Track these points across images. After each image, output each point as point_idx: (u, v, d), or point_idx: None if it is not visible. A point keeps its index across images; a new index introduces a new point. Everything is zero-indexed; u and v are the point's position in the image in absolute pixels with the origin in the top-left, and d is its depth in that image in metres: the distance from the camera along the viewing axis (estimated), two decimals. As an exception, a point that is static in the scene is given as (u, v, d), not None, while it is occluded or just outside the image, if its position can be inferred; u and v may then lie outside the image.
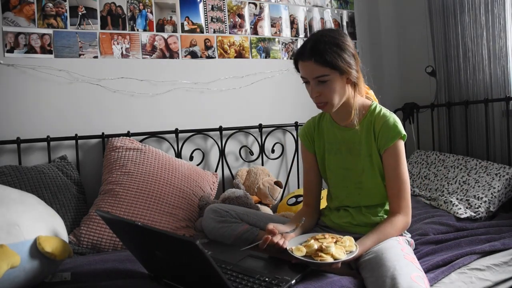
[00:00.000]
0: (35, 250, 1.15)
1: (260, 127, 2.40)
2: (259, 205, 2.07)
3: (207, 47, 2.33)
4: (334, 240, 1.27)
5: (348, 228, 1.46)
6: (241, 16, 2.43)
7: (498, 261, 1.42)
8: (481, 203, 1.85)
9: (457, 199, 1.96)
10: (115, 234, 1.35)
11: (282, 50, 2.54)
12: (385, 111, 1.43)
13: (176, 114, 2.24)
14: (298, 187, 2.52)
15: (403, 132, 1.38)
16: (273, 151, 2.48)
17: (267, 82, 2.48)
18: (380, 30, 2.91)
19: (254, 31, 2.46)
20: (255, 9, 2.47)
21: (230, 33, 2.39)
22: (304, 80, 1.38)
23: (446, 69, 2.48)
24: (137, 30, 2.15)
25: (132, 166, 1.91)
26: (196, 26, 2.30)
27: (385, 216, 1.43)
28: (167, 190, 1.87)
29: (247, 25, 2.44)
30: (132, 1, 2.14)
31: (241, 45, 2.42)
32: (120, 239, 1.38)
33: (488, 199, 1.87)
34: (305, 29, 2.62)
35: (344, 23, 2.77)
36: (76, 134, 1.98)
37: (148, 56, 2.17)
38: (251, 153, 2.40)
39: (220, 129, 2.28)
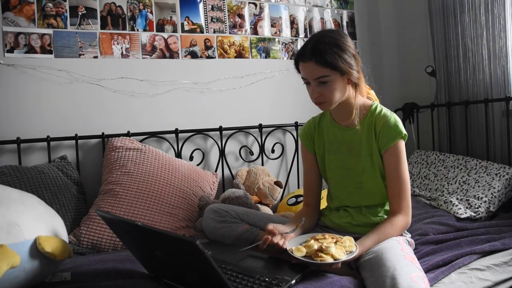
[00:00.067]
0: (35, 250, 1.15)
1: (260, 127, 2.40)
2: (259, 205, 2.07)
3: (207, 47, 2.33)
4: (334, 240, 1.27)
5: (348, 228, 1.46)
6: (241, 16, 2.42)
7: (498, 261, 1.42)
8: (481, 203, 1.85)
9: (457, 199, 1.96)
10: (115, 234, 1.35)
11: (282, 50, 2.54)
12: (386, 111, 1.43)
13: (176, 114, 2.24)
14: (298, 187, 2.52)
15: (404, 132, 1.38)
16: (273, 151, 2.48)
17: (267, 82, 2.48)
18: (380, 30, 2.91)
19: (254, 31, 2.46)
20: (255, 9, 2.47)
21: (230, 33, 2.39)
22: (305, 81, 1.38)
23: (446, 69, 2.48)
24: (137, 30, 2.15)
25: (132, 166, 1.91)
26: (196, 26, 2.30)
27: (385, 216, 1.43)
28: (167, 190, 1.87)
29: (247, 25, 2.44)
30: (132, 1, 2.14)
31: (241, 45, 2.42)
32: (120, 239, 1.38)
33: (488, 199, 1.87)
34: (305, 29, 2.62)
35: (344, 23, 2.77)
36: (76, 134, 1.98)
37: (148, 56, 2.17)
38: (251, 153, 2.40)
39: (220, 129, 2.28)
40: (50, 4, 1.97)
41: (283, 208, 2.20)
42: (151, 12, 2.19)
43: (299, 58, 1.37)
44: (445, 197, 2.01)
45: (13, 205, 1.21)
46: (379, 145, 1.40)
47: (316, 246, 1.23)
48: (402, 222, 1.37)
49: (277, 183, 2.22)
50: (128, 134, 2.08)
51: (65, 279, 1.27)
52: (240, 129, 2.36)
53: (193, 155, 2.24)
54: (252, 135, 2.43)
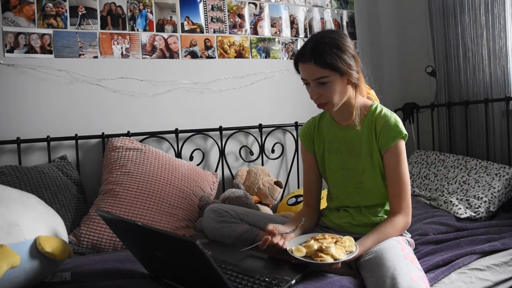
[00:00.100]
0: (35, 250, 1.15)
1: (260, 127, 2.40)
2: (259, 205, 2.07)
3: (207, 47, 2.33)
4: (334, 240, 1.27)
5: (348, 228, 1.46)
6: (241, 16, 2.43)
7: (498, 261, 1.42)
8: (481, 203, 1.85)
9: (457, 199, 1.96)
10: (115, 234, 1.35)
11: (282, 50, 2.54)
12: (386, 111, 1.43)
13: (176, 114, 2.24)
14: (298, 187, 2.52)
15: (404, 132, 1.38)
16: (273, 151, 2.48)
17: (267, 82, 2.48)
18: (380, 30, 2.91)
19: (254, 31, 2.46)
20: (255, 9, 2.47)
21: (230, 33, 2.39)
22: (305, 82, 1.38)
23: (446, 69, 2.48)
24: (137, 30, 2.15)
25: (132, 166, 1.91)
26: (196, 26, 2.30)
27: (385, 216, 1.43)
28: (167, 190, 1.87)
29: (247, 25, 2.44)
30: (132, 1, 2.14)
31: (241, 45, 2.42)
32: (120, 239, 1.38)
33: (488, 199, 1.87)
34: (305, 29, 2.62)
35: (344, 23, 2.77)
36: (76, 134, 1.98)
37: (148, 56, 2.17)
38: (251, 153, 2.40)
39: (220, 129, 2.28)
40: (50, 4, 1.97)
41: (283, 208, 2.20)
42: (151, 12, 2.19)
43: (299, 59, 1.36)
44: (445, 197, 2.01)
45: (13, 205, 1.21)
46: (379, 145, 1.40)
47: (316, 246, 1.23)
48: (402, 222, 1.37)
49: (277, 183, 2.22)
50: (128, 134, 2.08)
51: (65, 279, 1.27)
52: (240, 129, 2.36)
53: (193, 155, 2.24)
54: (252, 135, 2.43)
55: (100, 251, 1.69)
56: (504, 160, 2.17)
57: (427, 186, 2.23)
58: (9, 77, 1.89)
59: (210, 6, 2.34)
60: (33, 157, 1.94)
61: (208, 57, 2.33)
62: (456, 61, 2.41)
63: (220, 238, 1.53)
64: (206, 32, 2.32)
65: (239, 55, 2.41)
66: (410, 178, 2.24)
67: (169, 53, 2.22)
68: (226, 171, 2.33)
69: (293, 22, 2.58)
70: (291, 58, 2.53)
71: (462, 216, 1.80)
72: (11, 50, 1.89)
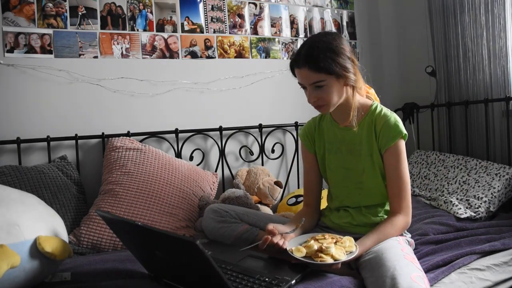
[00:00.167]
0: (35, 250, 1.15)
1: (260, 127, 2.40)
2: (259, 205, 2.07)
3: (207, 47, 2.33)
4: (334, 240, 1.27)
5: (348, 228, 1.46)
6: (241, 16, 2.43)
7: (498, 261, 1.42)
8: (481, 203, 1.85)
9: (457, 199, 1.96)
10: (115, 234, 1.35)
11: (282, 50, 2.54)
12: (386, 110, 1.43)
13: (176, 114, 2.24)
14: (298, 187, 2.52)
15: (404, 131, 1.38)
16: (273, 151, 2.48)
17: (267, 82, 2.48)
18: (380, 30, 2.91)
19: (254, 31, 2.46)
20: (255, 9, 2.47)
21: (230, 33, 2.39)
22: (301, 86, 1.39)
23: (446, 69, 2.48)
24: (137, 30, 2.15)
25: (132, 166, 1.91)
26: (196, 26, 2.30)
27: (385, 216, 1.43)
28: (167, 190, 1.87)
29: (247, 25, 2.44)
30: (132, 1, 2.14)
31: (241, 45, 2.42)
32: (120, 239, 1.38)
33: (488, 199, 1.87)
34: (305, 29, 2.62)
35: (344, 23, 2.77)
36: (76, 134, 1.98)
37: (148, 56, 2.17)
38: (251, 153, 2.40)
39: (220, 129, 2.28)
40: (50, 4, 1.97)
41: (283, 208, 2.20)
42: (151, 12, 2.19)
43: (294, 64, 1.37)
44: (445, 197, 2.01)
45: (13, 205, 1.21)
46: (379, 145, 1.40)
47: (316, 246, 1.23)
48: (402, 222, 1.37)
49: (277, 183, 2.22)
50: (128, 134, 2.08)
51: (65, 279, 1.27)
52: (240, 129, 2.36)
53: (193, 155, 2.24)
54: (252, 135, 2.43)
55: (100, 251, 1.69)
56: (504, 160, 2.17)
57: (427, 186, 2.23)
58: (9, 77, 1.89)
59: (210, 6, 2.34)
60: (33, 157, 1.94)
61: (208, 57, 2.33)
62: (456, 61, 2.41)
63: (220, 238, 1.53)
64: (206, 32, 2.32)
65: (239, 55, 2.41)
66: (410, 178, 2.24)
67: (169, 53, 2.22)
68: (226, 171, 2.33)
69: (293, 22, 2.58)
70: (291, 58, 2.53)
71: (462, 216, 1.80)
72: (11, 50, 1.89)
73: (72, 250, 1.32)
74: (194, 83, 2.28)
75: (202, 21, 2.31)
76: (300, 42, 2.59)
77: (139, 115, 2.15)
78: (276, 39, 2.52)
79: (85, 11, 2.04)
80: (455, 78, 2.43)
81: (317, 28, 2.65)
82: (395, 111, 2.64)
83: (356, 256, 1.22)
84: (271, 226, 1.36)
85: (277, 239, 1.30)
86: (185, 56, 2.27)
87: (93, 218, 1.73)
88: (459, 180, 2.08)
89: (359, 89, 1.42)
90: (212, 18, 2.34)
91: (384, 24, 2.91)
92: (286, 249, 1.27)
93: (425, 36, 2.63)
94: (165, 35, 2.22)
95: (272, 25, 2.52)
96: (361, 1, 2.84)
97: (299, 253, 1.23)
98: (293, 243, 1.31)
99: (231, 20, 2.40)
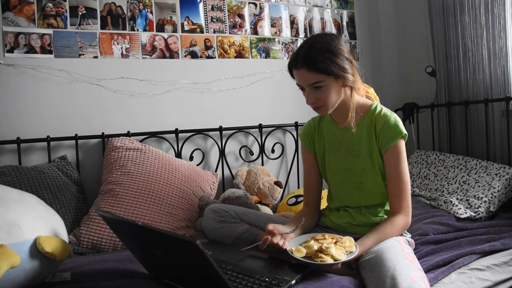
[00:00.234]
0: (35, 250, 1.15)
1: (260, 127, 2.40)
2: (259, 205, 2.07)
3: (207, 47, 2.33)
4: (334, 240, 1.27)
5: (348, 228, 1.46)
6: (241, 16, 2.42)
7: (498, 261, 1.42)
8: (481, 203, 1.85)
9: (457, 199, 1.96)
10: (115, 234, 1.35)
11: (282, 50, 2.54)
12: (386, 110, 1.43)
13: (176, 114, 2.24)
14: (298, 187, 2.52)
15: (404, 131, 1.38)
16: (273, 151, 2.48)
17: (267, 82, 2.48)
18: (380, 30, 2.91)
19: (254, 31, 2.46)
20: (255, 9, 2.47)
21: (230, 33, 2.39)
22: (300, 87, 1.39)
23: (446, 69, 2.48)
24: (137, 30, 2.15)
25: (132, 166, 1.91)
26: (196, 26, 2.30)
27: (385, 216, 1.43)
28: (167, 190, 1.87)
29: (247, 25, 2.44)
30: (132, 1, 2.14)
31: (241, 45, 2.42)
32: (120, 239, 1.38)
33: (488, 199, 1.87)
34: (305, 29, 2.62)
35: (344, 23, 2.77)
36: (76, 134, 1.98)
37: (148, 56, 2.17)
38: (251, 153, 2.40)
39: (220, 129, 2.28)
40: (50, 4, 1.97)
41: (283, 208, 2.20)
42: (151, 12, 2.19)
43: (292, 65, 1.37)
44: (445, 197, 2.01)
45: (13, 205, 1.21)
46: (379, 145, 1.40)
47: (316, 246, 1.23)
48: (402, 222, 1.37)
49: (277, 183, 2.22)
50: (128, 134, 2.08)
51: (65, 279, 1.27)
52: (240, 129, 2.36)
53: (193, 155, 2.24)
54: (252, 135, 2.43)
55: (100, 251, 1.69)
56: (504, 160, 2.17)
57: (427, 186, 2.23)
58: (9, 77, 1.89)
59: (210, 6, 2.34)
60: (33, 157, 1.94)
61: (208, 57, 2.33)
62: (456, 61, 2.41)
63: (220, 238, 1.53)
64: (206, 32, 2.32)
65: (239, 55, 2.41)
66: (410, 178, 2.24)
67: (169, 53, 2.22)
68: (226, 171, 2.33)
69: (293, 22, 2.58)
70: (289, 59, 2.53)
71: (462, 216, 1.80)
72: (11, 50, 1.89)
73: (72, 250, 1.32)
74: (194, 83, 2.28)
75: (202, 21, 2.31)
76: (300, 42, 2.59)
77: (139, 115, 2.15)
78: (276, 39, 2.52)
79: (85, 11, 2.04)
80: (455, 78, 2.43)
81: (317, 28, 2.65)
82: (395, 111, 2.64)
83: (356, 256, 1.22)
84: (271, 226, 1.36)
85: (277, 239, 1.30)
86: (185, 56, 2.27)
87: (93, 218, 1.73)
88: (459, 180, 2.08)
89: (357, 89, 1.42)
90: (212, 18, 2.34)
91: (384, 24, 2.91)
92: (286, 249, 1.27)
93: (425, 36, 2.63)
94: (165, 35, 2.22)
95: (272, 25, 2.52)
96: (361, 1, 2.84)
97: (299, 253, 1.23)
98: (293, 243, 1.31)
99: (231, 20, 2.40)
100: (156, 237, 1.06)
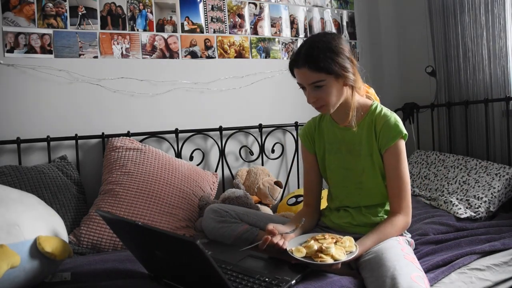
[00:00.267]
0: (35, 250, 1.15)
1: (260, 127, 2.40)
2: (259, 205, 2.07)
3: (207, 47, 2.33)
4: (334, 240, 1.27)
5: (348, 228, 1.46)
6: (241, 16, 2.42)
7: (498, 261, 1.42)
8: (481, 203, 1.85)
9: (457, 199, 1.96)
10: (115, 234, 1.35)
11: (282, 50, 2.54)
12: (386, 110, 1.43)
13: (176, 114, 2.24)
14: (298, 187, 2.52)
15: (404, 131, 1.38)
16: (273, 151, 2.48)
17: (267, 82, 2.48)
18: (380, 30, 2.91)
19: (254, 31, 2.46)
20: (255, 9, 2.47)
21: (230, 33, 2.39)
22: (301, 86, 1.39)
23: (446, 69, 2.48)
24: (137, 30, 2.15)
25: (132, 166, 1.91)
26: (196, 26, 2.30)
27: (385, 216, 1.43)
28: (167, 190, 1.87)
29: (247, 25, 2.44)
30: (132, 1, 2.14)
31: (241, 45, 2.42)
32: (120, 239, 1.38)
33: (488, 199, 1.87)
34: (305, 29, 2.62)
35: (344, 23, 2.77)
36: (76, 134, 1.98)
37: (148, 56, 2.17)
38: (251, 153, 2.40)
39: (220, 129, 2.28)
40: (50, 4, 1.97)
41: (283, 208, 2.20)
42: (151, 12, 2.19)
43: (293, 64, 1.37)
44: (445, 197, 2.01)
45: (13, 205, 1.21)
46: (379, 145, 1.40)
47: (316, 246, 1.23)
48: (402, 222, 1.37)
49: (277, 183, 2.22)
50: (128, 134, 2.08)
51: (65, 279, 1.27)
52: (240, 129, 2.36)
53: (193, 155, 2.23)
54: (252, 135, 2.43)
55: (100, 251, 1.69)
56: (504, 160, 2.17)
57: (427, 186, 2.23)
58: (9, 77, 1.89)
59: (210, 6, 2.34)
60: (33, 157, 1.94)
61: (208, 57, 2.33)
62: (456, 61, 2.41)
63: (220, 238, 1.53)
64: (206, 32, 2.32)
65: (239, 55, 2.41)
66: (410, 178, 2.24)
67: (169, 53, 2.22)
68: (226, 171, 2.33)
69: (293, 22, 2.58)
70: (290, 59, 2.53)
71: (462, 216, 1.80)
72: (11, 50, 1.89)
73: (72, 250, 1.32)
74: (194, 83, 2.28)
75: (202, 21, 2.31)
76: (300, 42, 2.59)
77: (139, 115, 2.15)
78: (276, 39, 2.52)
79: (85, 11, 2.04)
80: (455, 78, 2.43)
81: (317, 28, 2.65)
82: (395, 111, 2.64)
83: (356, 256, 1.22)
84: (271, 226, 1.36)
85: (277, 239, 1.30)
86: (185, 56, 2.27)
87: (93, 218, 1.73)
88: (459, 180, 2.08)
89: (358, 89, 1.42)
90: (212, 18, 2.34)
91: (384, 24, 2.91)
92: (286, 249, 1.27)
93: (425, 36, 2.63)
94: (165, 35, 2.22)
95: (272, 25, 2.52)
96: (361, 1, 2.84)
97: (299, 253, 1.23)
98: (293, 243, 1.31)
99: (231, 20, 2.40)
100: (156, 237, 1.06)
